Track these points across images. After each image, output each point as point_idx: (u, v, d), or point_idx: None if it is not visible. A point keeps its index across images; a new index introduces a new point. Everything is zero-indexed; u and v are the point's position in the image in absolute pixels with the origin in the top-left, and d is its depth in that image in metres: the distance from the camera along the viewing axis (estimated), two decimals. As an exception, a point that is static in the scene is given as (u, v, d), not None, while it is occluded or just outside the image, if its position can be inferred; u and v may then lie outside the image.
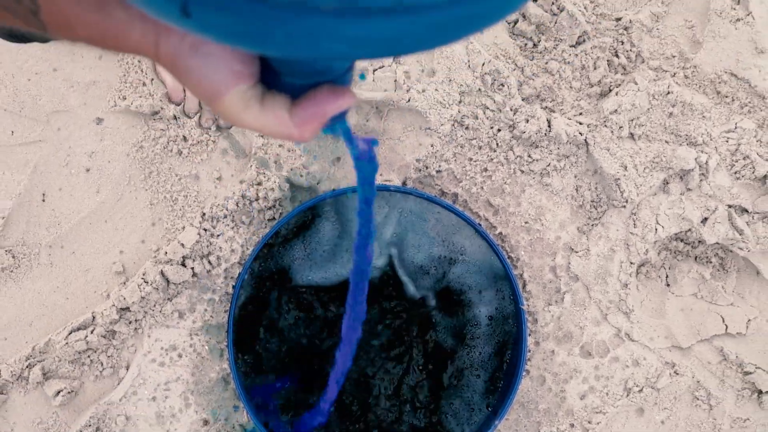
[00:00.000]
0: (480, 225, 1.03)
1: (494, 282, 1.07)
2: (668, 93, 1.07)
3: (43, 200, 1.03)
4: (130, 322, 1.00)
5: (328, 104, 0.39)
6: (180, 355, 1.00)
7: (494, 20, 0.32)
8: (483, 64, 1.05)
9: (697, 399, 1.05)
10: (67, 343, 0.99)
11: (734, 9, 1.11)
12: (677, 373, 1.05)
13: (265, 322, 1.06)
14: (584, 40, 1.09)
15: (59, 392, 0.99)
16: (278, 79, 0.39)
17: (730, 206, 1.06)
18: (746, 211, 1.06)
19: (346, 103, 0.39)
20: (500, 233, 1.05)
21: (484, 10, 0.31)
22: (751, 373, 1.05)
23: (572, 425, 1.02)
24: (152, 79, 1.03)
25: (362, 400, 1.06)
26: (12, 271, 1.02)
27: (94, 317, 1.00)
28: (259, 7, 0.27)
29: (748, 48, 1.11)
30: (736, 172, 1.06)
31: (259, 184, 1.02)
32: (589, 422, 1.02)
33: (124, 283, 1.01)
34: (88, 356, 1.00)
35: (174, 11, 0.28)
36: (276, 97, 0.39)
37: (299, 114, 0.38)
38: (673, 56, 1.11)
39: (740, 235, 1.05)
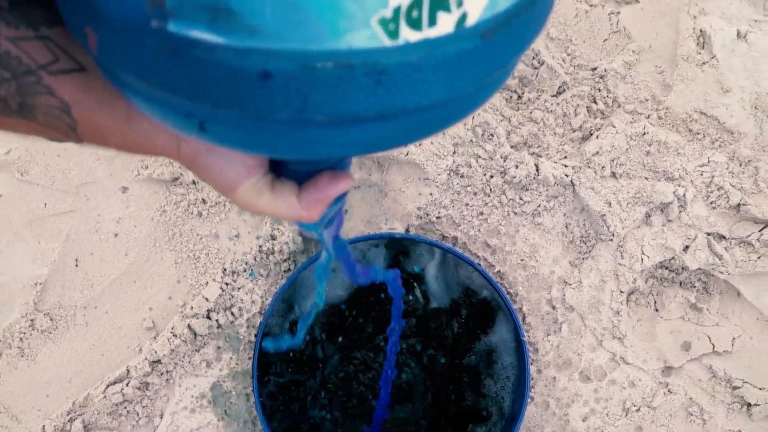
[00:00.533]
0: (479, 264, 1.10)
1: (496, 316, 1.14)
2: (644, 133, 1.15)
3: (77, 265, 1.10)
4: (161, 374, 1.07)
5: (330, 188, 0.42)
6: (209, 402, 1.07)
7: (473, 110, 0.35)
8: (473, 118, 1.14)
9: (691, 415, 1.11)
10: (104, 397, 1.06)
11: (699, 54, 1.20)
12: (671, 392, 1.11)
13: (289, 366, 1.13)
14: (564, 90, 1.18)
15: (100, 443, 1.06)
16: (286, 168, 0.42)
17: (708, 234, 1.13)
18: (724, 237, 1.14)
19: (346, 186, 0.43)
20: (498, 271, 1.12)
21: (462, 107, 0.34)
22: (739, 387, 1.11)
23: (577, 446, 1.09)
24: (171, 148, 1.12)
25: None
26: (51, 333, 1.09)
27: (128, 371, 1.07)
28: (264, 124, 0.30)
29: (714, 88, 1.19)
30: (711, 203, 1.14)
31: (274, 238, 1.10)
32: (592, 442, 1.09)
33: (155, 338, 1.09)
34: (125, 408, 1.07)
35: (193, 128, 0.32)
36: (285, 183, 0.41)
37: (306, 198, 0.42)
38: (647, 99, 1.19)
39: (720, 260, 1.12)
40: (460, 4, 0.28)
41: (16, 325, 1.07)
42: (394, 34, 0.27)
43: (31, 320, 1.07)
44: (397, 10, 0.27)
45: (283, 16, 0.26)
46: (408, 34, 0.27)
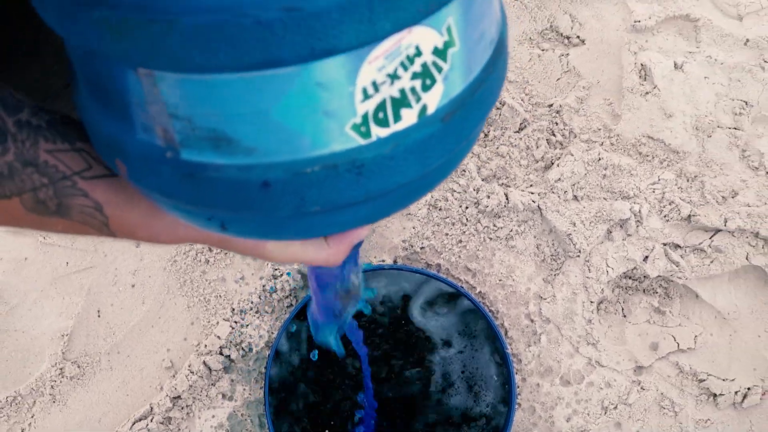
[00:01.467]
0: (462, 287, 1.21)
1: (480, 333, 1.24)
2: (599, 159, 1.27)
3: (99, 316, 1.20)
4: (182, 408, 1.16)
5: (353, 234, 0.46)
6: (227, 430, 1.16)
7: (448, 174, 0.38)
8: (446, 156, 1.25)
9: (664, 408, 1.21)
10: (131, 433, 1.15)
11: (642, 85, 1.33)
12: (643, 389, 1.21)
13: (298, 388, 1.22)
14: (525, 126, 1.30)
15: (130, 476, 1.14)
16: None
17: (664, 244, 1.24)
18: (679, 246, 1.25)
19: (365, 232, 0.47)
20: (480, 292, 1.23)
21: (437, 176, 0.37)
22: (704, 380, 1.21)
23: (563, 445, 1.18)
24: (178, 204, 1.22)
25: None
26: (79, 379, 1.18)
27: (151, 408, 1.15)
28: (272, 219, 0.34)
29: (658, 114, 1.32)
30: (665, 216, 1.25)
31: (276, 278, 1.20)
32: (577, 440, 1.18)
33: (174, 376, 1.18)
34: (151, 442, 1.16)
35: (216, 228, 0.36)
36: None
37: (333, 243, 0.45)
38: (599, 129, 1.31)
39: (677, 266, 1.23)
40: (419, 99, 0.31)
41: (47, 374, 1.16)
42: (366, 134, 0.30)
43: (61, 368, 1.16)
44: (365, 116, 0.30)
45: (272, 137, 0.30)
46: (378, 132, 0.30)
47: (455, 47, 0.31)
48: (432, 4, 0.28)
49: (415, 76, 0.30)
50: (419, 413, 1.22)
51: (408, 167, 0.32)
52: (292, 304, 1.20)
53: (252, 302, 1.18)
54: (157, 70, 0.28)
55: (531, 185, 1.26)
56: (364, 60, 0.28)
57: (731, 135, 1.30)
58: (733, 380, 1.21)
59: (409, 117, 0.31)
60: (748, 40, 1.38)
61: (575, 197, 1.25)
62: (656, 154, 1.29)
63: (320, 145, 0.30)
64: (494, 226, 1.23)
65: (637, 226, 1.23)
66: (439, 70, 0.31)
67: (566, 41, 1.42)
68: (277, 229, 0.36)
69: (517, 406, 1.17)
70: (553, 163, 1.27)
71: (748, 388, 1.20)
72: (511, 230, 1.23)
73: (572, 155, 1.25)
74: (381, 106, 0.30)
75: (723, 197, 1.26)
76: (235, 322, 1.17)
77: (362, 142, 0.30)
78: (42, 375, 1.15)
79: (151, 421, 1.13)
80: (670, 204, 1.24)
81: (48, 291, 1.19)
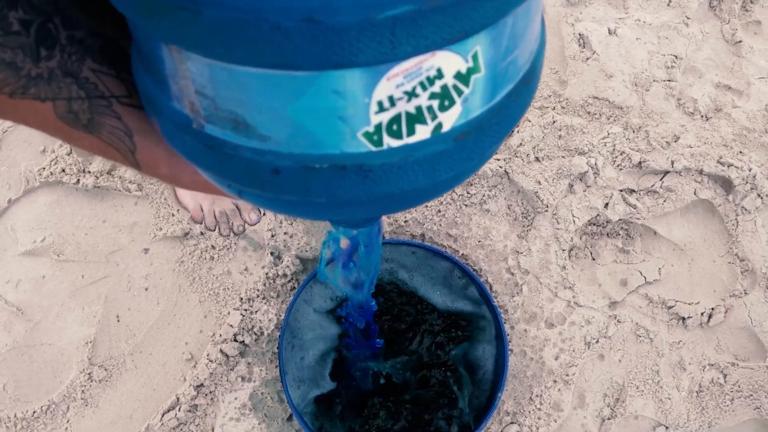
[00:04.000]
0: (445, 251, 1.27)
1: (468, 290, 1.30)
2: (554, 122, 1.34)
3: (118, 320, 1.23)
4: (206, 395, 1.19)
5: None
6: (251, 409, 1.20)
7: (457, 185, 0.36)
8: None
9: (640, 336, 1.27)
10: (162, 424, 1.18)
11: (582, 52, 1.40)
12: (619, 322, 1.27)
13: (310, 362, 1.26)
14: (484, 100, 1.37)
15: (166, 462, 1.16)
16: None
17: (621, 190, 1.31)
18: (633, 191, 1.32)
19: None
20: (462, 254, 1.29)
21: (445, 186, 0.36)
22: (672, 306, 1.26)
23: (555, 381, 1.24)
24: (178, 210, 1.27)
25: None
26: (107, 381, 1.21)
27: (177, 398, 1.19)
28: (281, 199, 0.34)
29: (600, 76, 1.39)
30: (618, 165, 1.33)
31: (277, 265, 1.25)
32: (567, 375, 1.24)
33: (194, 366, 1.21)
34: (181, 429, 1.18)
35: (234, 193, 0.36)
36: None
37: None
38: (550, 95, 1.38)
39: (635, 209, 1.30)
40: (434, 117, 0.29)
41: (76, 380, 1.19)
42: (378, 143, 0.29)
43: (89, 374, 1.20)
44: (378, 126, 0.29)
45: (285, 130, 0.29)
46: (390, 142, 0.29)
47: (480, 73, 0.29)
48: (457, 34, 0.26)
49: (433, 96, 0.28)
50: (423, 366, 1.26)
51: (416, 177, 0.31)
52: (294, 287, 1.25)
53: (258, 290, 1.22)
54: (185, 50, 0.28)
55: (496, 153, 1.32)
56: (382, 76, 0.27)
57: (666, 87, 1.38)
58: (697, 303, 1.28)
59: (423, 132, 0.30)
60: (670, 1, 1.47)
61: (537, 159, 1.31)
62: (603, 112, 1.36)
63: (331, 146, 0.29)
64: (468, 193, 1.29)
65: (595, 177, 1.30)
66: (460, 93, 0.29)
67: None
68: (284, 208, 0.36)
69: (509, 352, 1.23)
70: (513, 131, 1.34)
71: (712, 309, 1.27)
72: (484, 195, 1.29)
73: (529, 121, 1.32)
74: (395, 120, 0.29)
75: (667, 142, 1.34)
76: (245, 310, 1.21)
77: (372, 149, 0.29)
78: (72, 381, 1.18)
79: (179, 410, 1.17)
80: (621, 154, 1.32)
81: (68, 304, 1.22)
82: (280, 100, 0.28)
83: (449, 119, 0.29)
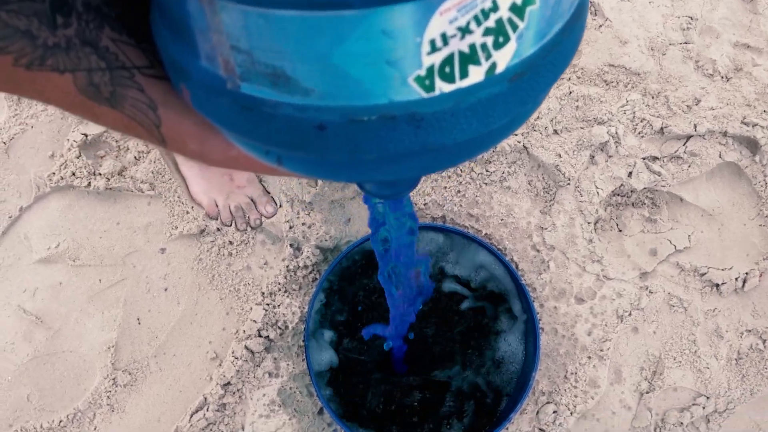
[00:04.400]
0: (468, 231, 1.23)
1: (494, 271, 1.26)
2: (570, 93, 1.30)
3: (139, 323, 1.20)
4: (233, 393, 1.16)
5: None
6: (280, 405, 1.17)
7: (509, 134, 0.34)
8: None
9: (673, 306, 1.23)
10: (191, 425, 1.14)
11: (594, 20, 1.36)
12: (651, 292, 1.23)
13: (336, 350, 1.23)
14: (497, 76, 1.33)
15: (198, 463, 1.14)
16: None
17: (644, 158, 1.27)
18: (657, 158, 1.28)
19: None
20: (485, 234, 1.25)
21: (499, 135, 0.34)
22: (705, 273, 1.22)
23: (589, 357, 1.20)
24: (192, 207, 1.24)
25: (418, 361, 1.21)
26: (132, 385, 1.18)
27: (205, 398, 1.16)
28: (327, 161, 0.32)
29: (614, 43, 1.35)
30: (639, 133, 1.29)
31: (297, 257, 1.22)
32: (601, 350, 1.20)
33: (220, 365, 1.18)
34: (210, 429, 1.15)
35: (273, 161, 0.34)
36: None
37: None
38: (564, 66, 1.34)
39: (659, 176, 1.26)
40: (489, 56, 0.28)
41: (101, 387, 1.16)
42: (430, 87, 0.27)
43: (113, 379, 1.17)
44: (431, 68, 0.27)
45: (330, 80, 0.27)
46: (442, 86, 0.28)
47: (535, 5, 0.27)
48: None
49: (487, 32, 0.27)
50: (449, 349, 1.23)
51: (469, 125, 0.29)
52: (316, 278, 1.21)
53: (279, 283, 1.19)
54: None
55: (513, 128, 1.28)
56: (435, 10, 0.25)
57: (683, 49, 1.34)
58: (730, 268, 1.24)
59: (476, 74, 0.28)
60: (681, -37, 1.42)
61: (555, 131, 1.27)
62: (620, 79, 1.32)
63: (380, 94, 0.27)
64: (487, 171, 1.25)
65: (616, 146, 1.26)
66: (515, 28, 0.27)
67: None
68: (330, 170, 0.34)
69: (540, 331, 1.19)
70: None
71: (746, 273, 1.23)
72: (503, 172, 1.25)
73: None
74: (448, 60, 0.27)
75: (688, 106, 1.29)
76: (267, 305, 1.18)
77: (424, 95, 0.28)
78: (97, 388, 1.15)
79: (207, 410, 1.14)
80: (642, 121, 1.27)
81: (87, 309, 1.19)
82: (324, 46, 0.26)
83: (503, 58, 0.28)
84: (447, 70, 0.27)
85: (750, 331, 1.20)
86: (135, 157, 1.23)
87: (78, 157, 1.21)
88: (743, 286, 1.21)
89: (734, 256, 1.24)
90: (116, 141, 1.24)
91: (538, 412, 1.16)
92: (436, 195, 1.23)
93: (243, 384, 1.14)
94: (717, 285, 1.21)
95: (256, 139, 0.32)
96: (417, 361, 1.20)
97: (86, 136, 1.22)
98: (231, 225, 1.21)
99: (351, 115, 0.28)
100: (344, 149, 0.30)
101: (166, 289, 1.19)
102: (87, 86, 0.33)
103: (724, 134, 1.25)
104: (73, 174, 1.20)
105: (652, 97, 1.28)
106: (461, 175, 1.23)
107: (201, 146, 0.39)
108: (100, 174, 1.21)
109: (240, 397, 1.14)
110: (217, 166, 0.41)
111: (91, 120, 0.36)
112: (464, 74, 0.28)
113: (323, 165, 0.33)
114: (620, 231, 1.25)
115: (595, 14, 1.34)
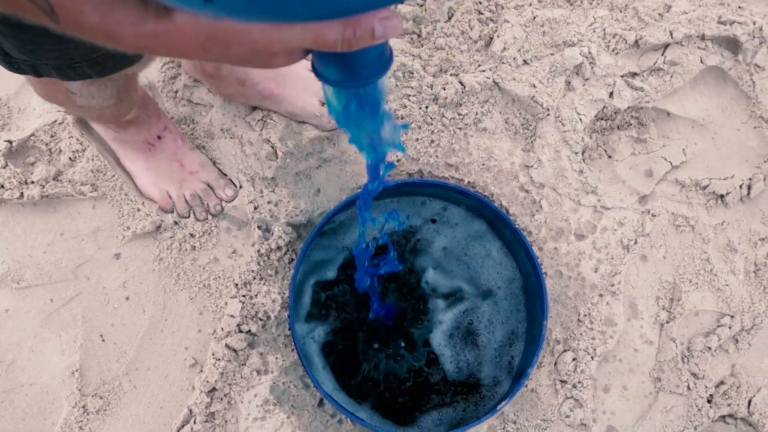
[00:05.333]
0: (448, 181, 1.11)
1: (488, 220, 1.15)
2: (534, 18, 1.18)
3: (103, 340, 1.06)
4: (221, 399, 1.03)
5: (365, 21, 0.34)
6: (275, 404, 1.04)
7: None
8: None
9: (679, 226, 1.13)
10: (179, 443, 1.01)
11: (546, -63, 1.26)
12: (654, 216, 1.12)
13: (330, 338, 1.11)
14: (453, 13, 1.20)
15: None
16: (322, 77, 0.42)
17: (623, 76, 1.16)
18: (636, 73, 1.17)
19: (394, 24, 0.35)
20: (468, 182, 1.13)
21: None
22: (707, 185, 1.12)
23: (601, 295, 1.09)
24: (143, 203, 1.09)
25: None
26: (106, 410, 1.03)
27: (190, 410, 1.02)
28: None
29: (571, -40, 1.25)
30: (613, 49, 1.18)
31: (267, 239, 1.09)
32: (612, 285, 1.09)
33: (201, 370, 1.04)
34: (202, 444, 1.02)
35: (198, 2, 0.29)
36: None
37: (354, 20, 0.33)
38: (522, -8, 1.23)
39: (642, 92, 1.15)
40: None
41: (70, 417, 1.01)
42: None
43: (83, 406, 1.02)
44: None
45: None
46: None
47: None
48: None
49: None
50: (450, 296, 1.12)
51: None
52: (292, 259, 1.08)
53: (252, 271, 1.06)
54: None
55: (479, 65, 1.16)
56: None
57: (644, -44, 1.24)
58: (732, 177, 1.14)
59: None
60: None
61: (525, 61, 1.16)
62: (583, -3, 1.22)
63: None
64: (459, 114, 1.13)
65: (592, 67, 1.15)
66: None
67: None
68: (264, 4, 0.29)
69: (545, 275, 1.08)
70: (492, 38, 1.18)
71: (750, 179, 1.13)
72: (477, 113, 1.14)
73: (508, 22, 1.16)
74: None
75: (659, 14, 1.19)
76: (244, 296, 1.05)
77: None
78: (66, 420, 1.01)
79: (195, 423, 1.00)
80: (614, 37, 1.17)
81: (41, 334, 1.04)
82: None
83: None
84: None
85: (763, 239, 1.11)
86: (70, 158, 1.09)
87: (5, 167, 1.06)
88: (748, 193, 1.11)
89: (733, 164, 1.14)
90: (46, 144, 1.09)
91: (555, 363, 1.05)
92: (409, 149, 1.11)
93: (230, 387, 1.01)
94: (721, 196, 1.12)
95: None
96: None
97: (11, 142, 1.07)
98: (189, 216, 1.08)
99: None
100: None
101: (127, 298, 1.05)
102: None
103: (702, 38, 1.16)
104: (2, 186, 1.06)
105: (620, 11, 1.18)
106: (432, 123, 1.11)
107: (105, 18, 0.30)
108: (32, 182, 1.06)
109: (229, 402, 1.01)
110: (130, 49, 0.32)
111: None
112: None
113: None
114: (610, 157, 1.15)
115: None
